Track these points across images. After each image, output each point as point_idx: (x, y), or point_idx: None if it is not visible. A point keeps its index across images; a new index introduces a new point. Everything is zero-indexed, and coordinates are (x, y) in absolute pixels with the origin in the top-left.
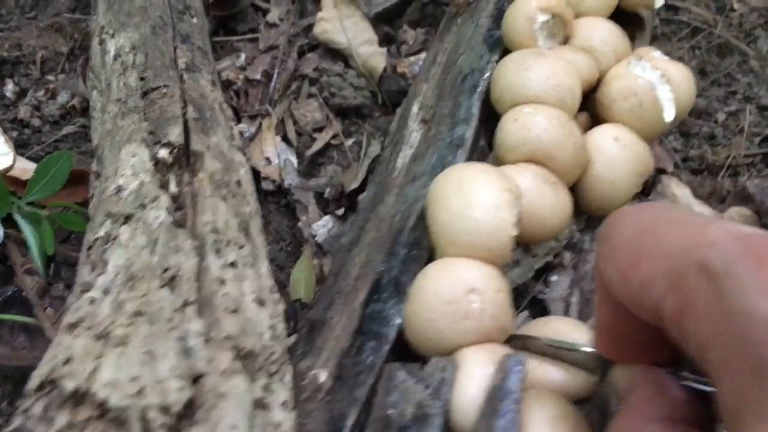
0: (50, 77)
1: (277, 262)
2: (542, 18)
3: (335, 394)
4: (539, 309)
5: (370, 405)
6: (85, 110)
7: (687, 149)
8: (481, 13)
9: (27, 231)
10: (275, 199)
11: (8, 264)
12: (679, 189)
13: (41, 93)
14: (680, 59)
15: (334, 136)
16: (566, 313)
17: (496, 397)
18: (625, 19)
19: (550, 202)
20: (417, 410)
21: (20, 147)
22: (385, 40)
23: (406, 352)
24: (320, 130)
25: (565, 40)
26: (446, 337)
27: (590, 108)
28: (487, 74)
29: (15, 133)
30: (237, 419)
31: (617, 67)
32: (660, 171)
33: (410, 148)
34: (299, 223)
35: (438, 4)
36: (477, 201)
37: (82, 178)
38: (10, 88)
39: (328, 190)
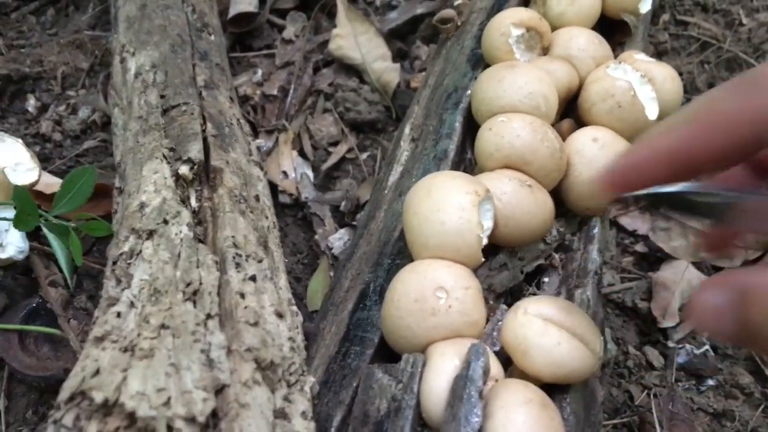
0: (71, 92)
1: (295, 274)
2: (516, 32)
3: (322, 398)
4: None
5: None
6: (105, 125)
7: None
8: (466, 36)
9: (55, 244)
10: (292, 212)
11: (33, 276)
12: None
13: (62, 108)
14: (689, 74)
15: (349, 150)
16: None
17: (459, 386)
18: (614, 26)
19: (527, 205)
20: (391, 404)
21: (42, 161)
22: (399, 56)
23: (393, 353)
24: (335, 144)
25: (545, 51)
26: (417, 334)
27: (574, 114)
28: (469, 91)
29: (37, 148)
30: (259, 429)
31: (595, 72)
32: None
33: (400, 166)
34: (316, 236)
35: None
36: (443, 204)
37: (105, 191)
38: (32, 103)
39: (343, 203)
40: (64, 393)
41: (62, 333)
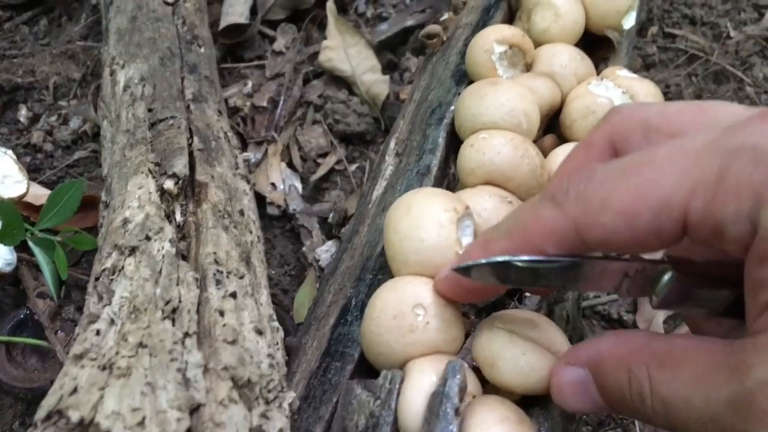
0: (63, 103)
1: (282, 285)
2: (499, 49)
3: (303, 414)
4: None
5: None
6: (96, 135)
7: None
8: (451, 51)
9: (41, 258)
10: (280, 224)
11: (21, 287)
12: None
13: (54, 118)
14: (677, 86)
15: (338, 162)
16: None
17: (435, 402)
18: (598, 42)
19: None
20: (369, 420)
21: (33, 171)
22: (388, 68)
23: (372, 368)
24: (324, 155)
25: (528, 68)
26: (395, 350)
27: (557, 130)
28: (453, 106)
29: (28, 158)
30: None
31: (577, 89)
32: None
33: (384, 181)
34: (303, 248)
35: None
36: (422, 221)
37: (93, 203)
38: (23, 113)
39: (331, 215)
40: (42, 411)
41: (49, 345)
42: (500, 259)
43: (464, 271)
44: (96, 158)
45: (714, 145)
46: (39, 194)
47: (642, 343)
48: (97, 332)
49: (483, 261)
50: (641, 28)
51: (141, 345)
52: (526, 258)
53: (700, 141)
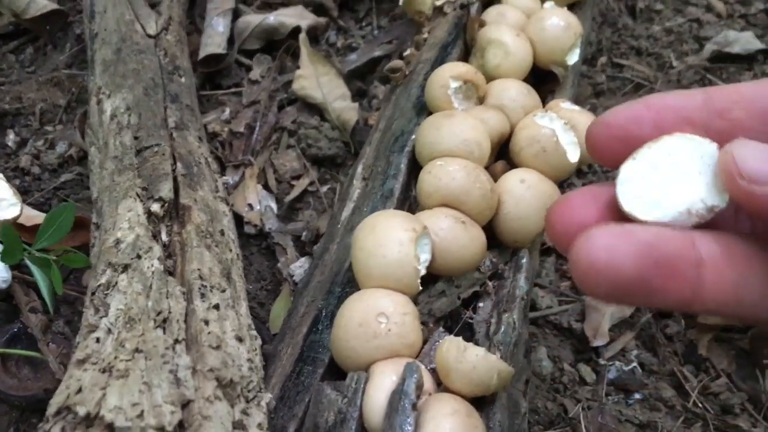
0: (49, 128)
1: (258, 299)
2: (455, 84)
3: (279, 412)
4: (469, 332)
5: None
6: (81, 159)
7: None
8: (413, 84)
9: (38, 275)
10: (257, 242)
11: (13, 303)
12: None
13: (41, 143)
14: None
15: (311, 184)
16: (487, 332)
17: (395, 399)
18: (545, 76)
19: (462, 239)
20: (337, 416)
21: (21, 193)
22: (358, 95)
23: (341, 371)
24: (298, 178)
25: (481, 101)
26: (360, 354)
27: (507, 156)
28: (414, 135)
29: (17, 181)
30: None
31: (524, 120)
32: None
33: (352, 203)
34: (278, 264)
35: None
36: (385, 240)
37: (82, 224)
38: (11, 138)
39: (304, 233)
40: (52, 408)
41: (42, 356)
42: None
43: None
44: (82, 181)
45: None
46: (30, 215)
47: None
48: (97, 340)
49: None
50: (592, 58)
51: (137, 350)
52: None
53: None
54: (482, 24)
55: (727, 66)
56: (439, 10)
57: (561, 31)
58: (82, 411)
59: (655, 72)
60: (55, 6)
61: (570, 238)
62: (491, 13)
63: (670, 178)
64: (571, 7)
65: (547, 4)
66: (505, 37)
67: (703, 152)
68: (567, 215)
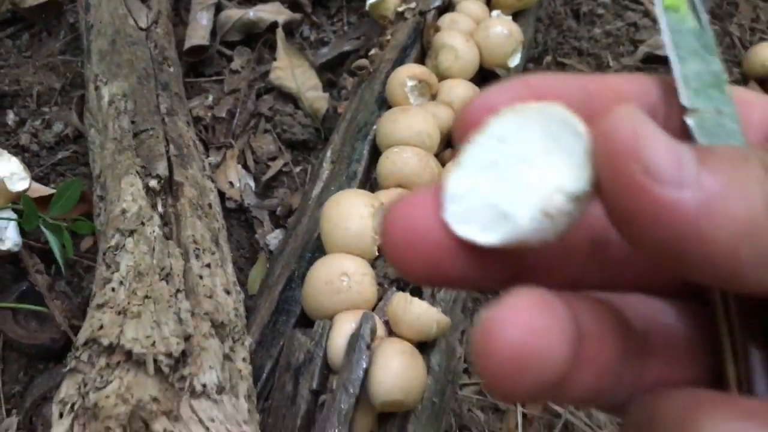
0: (45, 109)
1: (239, 265)
2: (411, 83)
3: (258, 353)
4: (418, 292)
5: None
6: (77, 138)
7: None
8: (376, 81)
9: (51, 240)
10: (237, 216)
11: (19, 266)
12: None
13: (38, 122)
14: None
15: (285, 165)
16: (432, 292)
17: (353, 341)
18: (490, 77)
19: None
20: (306, 355)
21: None
22: (328, 85)
23: (310, 320)
24: (273, 159)
25: (433, 97)
26: (326, 306)
27: (454, 146)
28: (375, 126)
29: (18, 157)
30: (213, 364)
31: None
32: None
33: (322, 182)
34: (256, 235)
35: None
36: (348, 215)
37: (82, 197)
38: (11, 117)
39: (279, 208)
40: (80, 340)
41: (48, 310)
42: None
43: None
44: (77, 158)
45: None
46: (35, 188)
47: None
48: (113, 289)
49: None
50: (538, 57)
51: (146, 297)
52: None
53: None
54: (437, 29)
55: (657, 66)
56: (400, 16)
57: (504, 38)
58: (105, 342)
59: (593, 71)
60: None
61: (412, 254)
62: (445, 19)
63: (510, 174)
64: (517, 14)
65: (494, 13)
66: (456, 42)
67: (547, 120)
68: (409, 221)
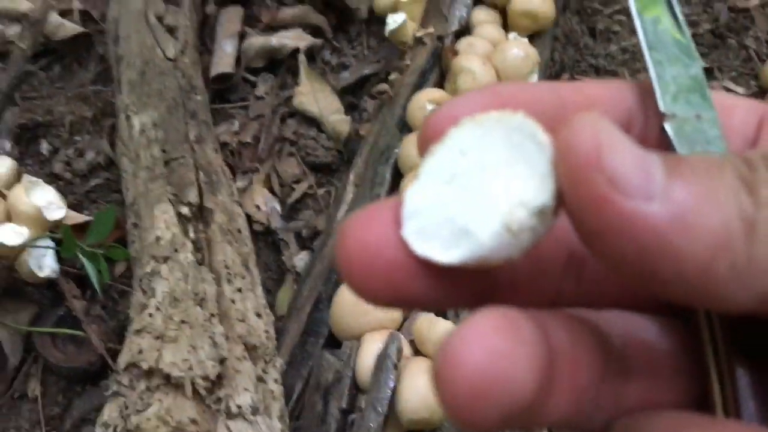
0: (77, 138)
1: (266, 287)
2: (430, 107)
3: (289, 373)
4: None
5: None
6: (108, 166)
7: None
8: (397, 105)
9: (88, 266)
10: (264, 238)
11: (56, 290)
12: None
13: (71, 151)
14: None
15: (310, 187)
16: (456, 312)
17: (380, 361)
18: None
19: None
20: (335, 375)
21: None
22: (350, 108)
23: (338, 341)
24: (298, 182)
25: None
26: (354, 327)
27: None
28: (397, 149)
29: (53, 186)
30: (248, 386)
31: None
32: None
33: (346, 205)
34: (283, 257)
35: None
36: None
37: (116, 224)
38: (45, 146)
39: (304, 230)
40: (121, 365)
41: (85, 334)
42: None
43: None
44: (109, 185)
45: None
46: (69, 215)
47: None
48: (150, 315)
49: None
50: (556, 75)
51: (182, 321)
52: None
53: None
54: (455, 53)
55: None
56: (419, 41)
57: (521, 60)
58: (145, 366)
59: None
60: (81, 29)
61: (368, 273)
62: (463, 43)
63: (470, 188)
64: (533, 35)
65: (510, 36)
66: (474, 65)
67: (509, 130)
68: (364, 238)
